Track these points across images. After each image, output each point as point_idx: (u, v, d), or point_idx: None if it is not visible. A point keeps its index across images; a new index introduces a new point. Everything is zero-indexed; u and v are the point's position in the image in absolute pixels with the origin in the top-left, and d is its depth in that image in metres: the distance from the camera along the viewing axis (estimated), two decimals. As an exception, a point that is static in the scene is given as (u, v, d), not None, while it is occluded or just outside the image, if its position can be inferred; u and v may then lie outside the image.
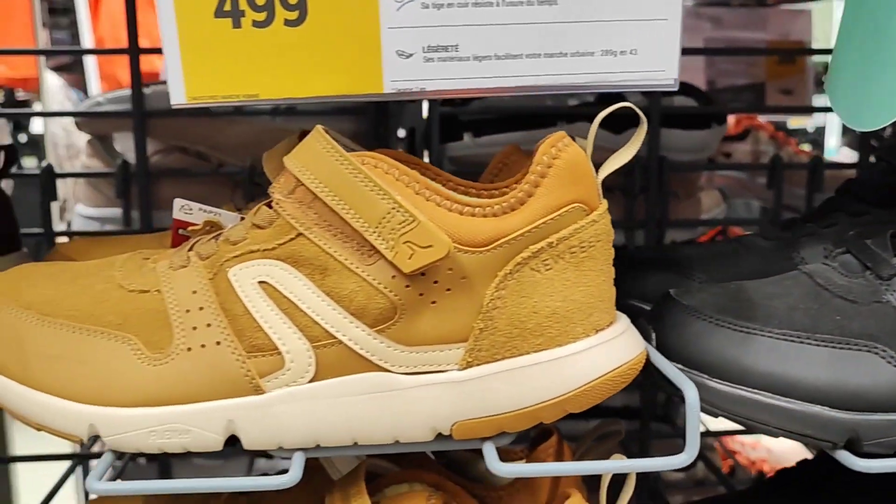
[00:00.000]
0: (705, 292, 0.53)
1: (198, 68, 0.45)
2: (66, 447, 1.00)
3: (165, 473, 1.00)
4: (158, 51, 1.14)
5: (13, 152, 0.75)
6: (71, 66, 2.85)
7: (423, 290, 0.44)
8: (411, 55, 0.46)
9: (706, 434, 1.15)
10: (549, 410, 0.46)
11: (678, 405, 1.08)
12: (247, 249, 0.46)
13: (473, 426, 0.46)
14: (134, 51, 0.88)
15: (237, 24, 0.44)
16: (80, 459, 1.04)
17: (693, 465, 1.01)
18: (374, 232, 0.44)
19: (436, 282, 0.44)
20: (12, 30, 2.34)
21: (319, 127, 0.47)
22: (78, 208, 0.98)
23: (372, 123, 0.94)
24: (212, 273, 0.46)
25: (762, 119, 1.35)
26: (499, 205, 0.45)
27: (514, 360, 0.45)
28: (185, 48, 0.45)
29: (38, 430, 0.46)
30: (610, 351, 0.46)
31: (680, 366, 0.49)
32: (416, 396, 0.45)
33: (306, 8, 0.44)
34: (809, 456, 0.72)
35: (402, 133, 1.01)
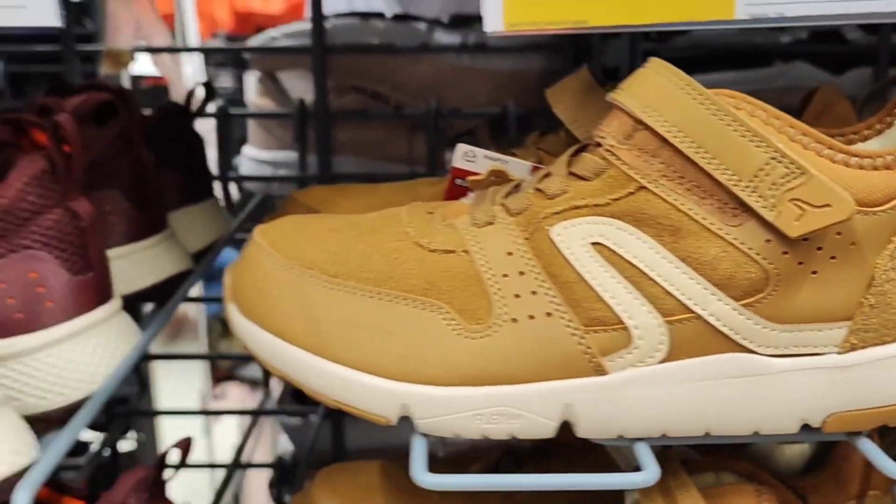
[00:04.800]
0: None
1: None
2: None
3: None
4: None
5: (212, 90, 0.69)
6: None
7: (803, 258, 0.37)
8: (777, -28, 0.38)
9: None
10: (946, 402, 0.38)
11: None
12: (571, 205, 0.39)
13: (851, 419, 0.39)
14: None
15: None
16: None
17: None
18: (748, 187, 0.36)
19: (820, 248, 0.37)
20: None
21: (656, 60, 0.39)
22: (247, 150, 0.92)
23: (567, 61, 0.86)
24: (528, 232, 0.40)
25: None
26: (892, 155, 0.37)
27: (909, 342, 0.38)
28: (513, -36, 0.37)
29: (335, 407, 0.40)
30: None
31: None
32: (786, 383, 0.38)
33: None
34: None
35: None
